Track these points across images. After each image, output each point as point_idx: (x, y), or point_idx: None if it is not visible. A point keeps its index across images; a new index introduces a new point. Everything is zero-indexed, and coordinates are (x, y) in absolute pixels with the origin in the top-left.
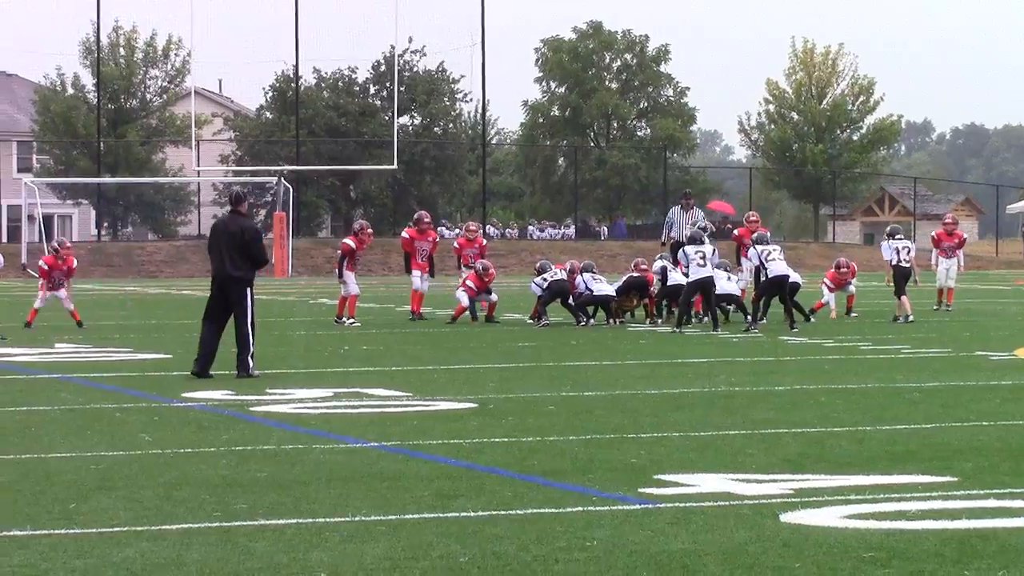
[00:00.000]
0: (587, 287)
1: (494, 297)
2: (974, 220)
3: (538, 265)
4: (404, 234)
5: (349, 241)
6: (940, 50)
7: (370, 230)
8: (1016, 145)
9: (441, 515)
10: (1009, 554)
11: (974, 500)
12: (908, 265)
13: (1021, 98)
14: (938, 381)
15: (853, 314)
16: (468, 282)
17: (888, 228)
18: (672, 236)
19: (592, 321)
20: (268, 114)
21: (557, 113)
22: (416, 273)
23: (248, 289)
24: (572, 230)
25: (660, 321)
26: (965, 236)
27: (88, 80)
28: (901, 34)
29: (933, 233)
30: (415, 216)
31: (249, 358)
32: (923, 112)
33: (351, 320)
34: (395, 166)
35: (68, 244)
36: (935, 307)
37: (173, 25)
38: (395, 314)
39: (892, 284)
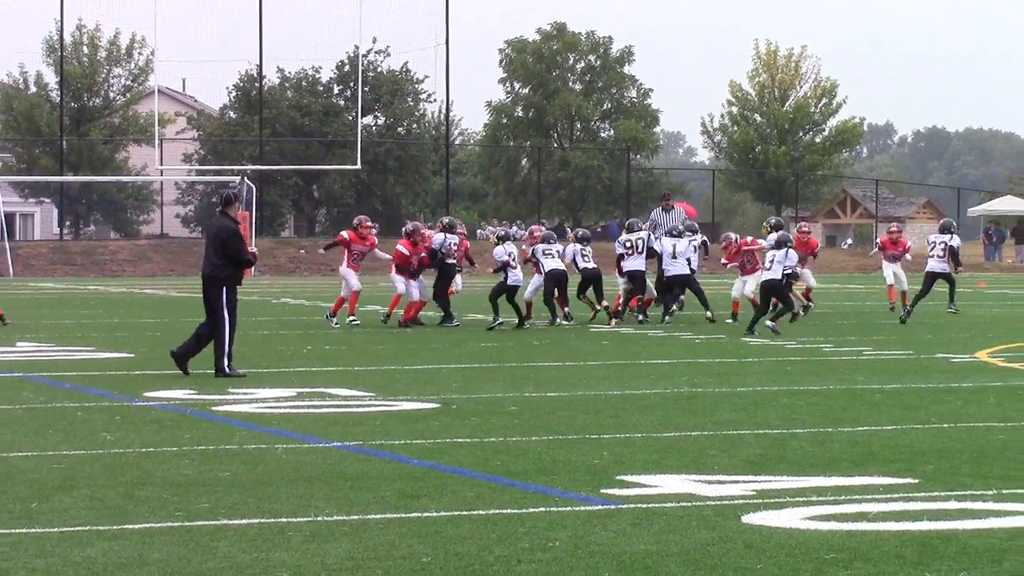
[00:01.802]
0: (508, 275)
1: (416, 294)
2: (935, 223)
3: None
4: (400, 247)
5: (344, 233)
6: (902, 53)
7: (368, 223)
8: (977, 148)
9: (404, 515)
10: (970, 555)
11: (935, 502)
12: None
13: (982, 101)
14: (899, 383)
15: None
16: (399, 247)
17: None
18: (656, 237)
19: (501, 322)
20: (232, 113)
21: (521, 114)
22: (399, 279)
23: (223, 289)
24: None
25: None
26: (910, 244)
27: (51, 78)
28: (864, 37)
29: (878, 240)
30: (410, 227)
31: (224, 358)
32: (885, 115)
33: (333, 318)
34: (358, 166)
35: None
36: (891, 305)
37: (137, 24)
38: (359, 314)
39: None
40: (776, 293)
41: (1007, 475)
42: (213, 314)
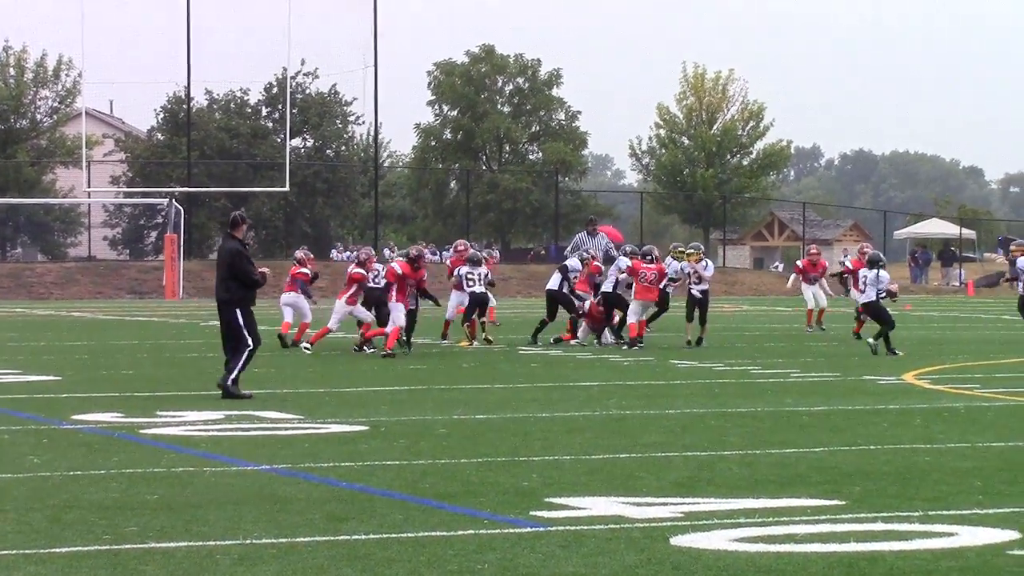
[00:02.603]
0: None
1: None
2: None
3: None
4: (396, 267)
5: (357, 270)
6: (829, 77)
7: (375, 258)
8: (903, 171)
9: (332, 538)
10: None
11: (862, 523)
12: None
13: (908, 124)
14: (827, 405)
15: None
16: (395, 267)
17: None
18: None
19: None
20: (159, 135)
21: (449, 136)
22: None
23: (236, 310)
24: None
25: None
26: (827, 264)
27: None
28: (790, 60)
29: (798, 263)
30: (415, 252)
31: (230, 377)
32: (812, 138)
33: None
34: (287, 188)
35: None
36: (808, 329)
37: (64, 45)
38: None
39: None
40: (877, 314)
41: (933, 496)
42: (234, 336)
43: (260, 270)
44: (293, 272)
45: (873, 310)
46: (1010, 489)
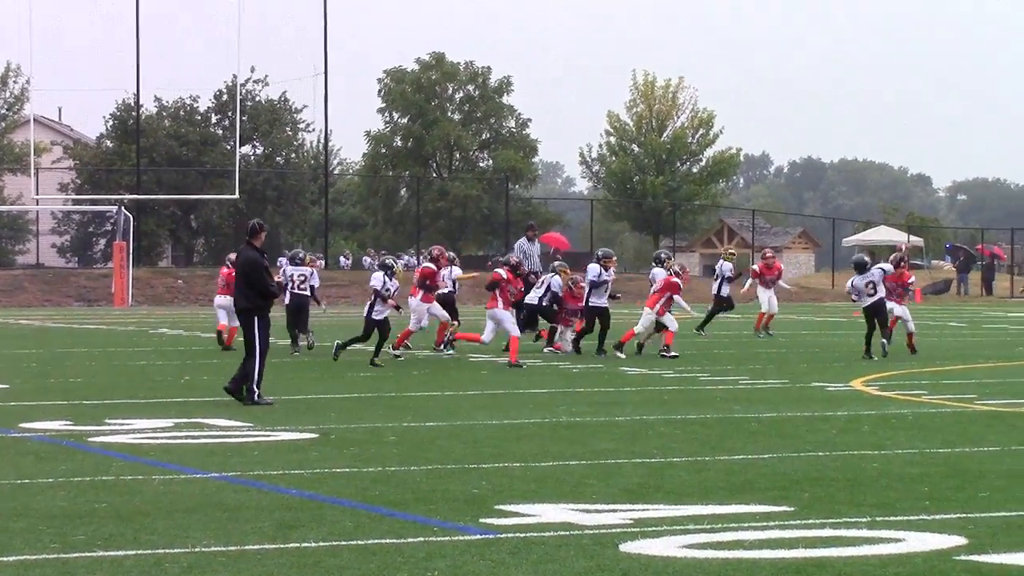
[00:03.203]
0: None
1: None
2: (811, 253)
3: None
4: (501, 271)
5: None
6: (778, 84)
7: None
8: (852, 179)
9: (282, 546)
10: None
11: (810, 529)
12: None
13: (856, 132)
14: (776, 412)
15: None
16: (500, 272)
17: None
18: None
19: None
20: (109, 143)
21: (400, 144)
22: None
23: (255, 320)
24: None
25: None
26: (782, 267)
27: None
28: (740, 68)
29: (754, 266)
30: (513, 260)
31: (255, 386)
32: (761, 145)
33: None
34: (237, 195)
35: None
36: (758, 334)
37: (12, 52)
38: (235, 343)
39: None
40: (875, 315)
41: (881, 502)
42: (249, 345)
43: (277, 279)
44: (227, 276)
45: (871, 311)
46: (957, 495)
